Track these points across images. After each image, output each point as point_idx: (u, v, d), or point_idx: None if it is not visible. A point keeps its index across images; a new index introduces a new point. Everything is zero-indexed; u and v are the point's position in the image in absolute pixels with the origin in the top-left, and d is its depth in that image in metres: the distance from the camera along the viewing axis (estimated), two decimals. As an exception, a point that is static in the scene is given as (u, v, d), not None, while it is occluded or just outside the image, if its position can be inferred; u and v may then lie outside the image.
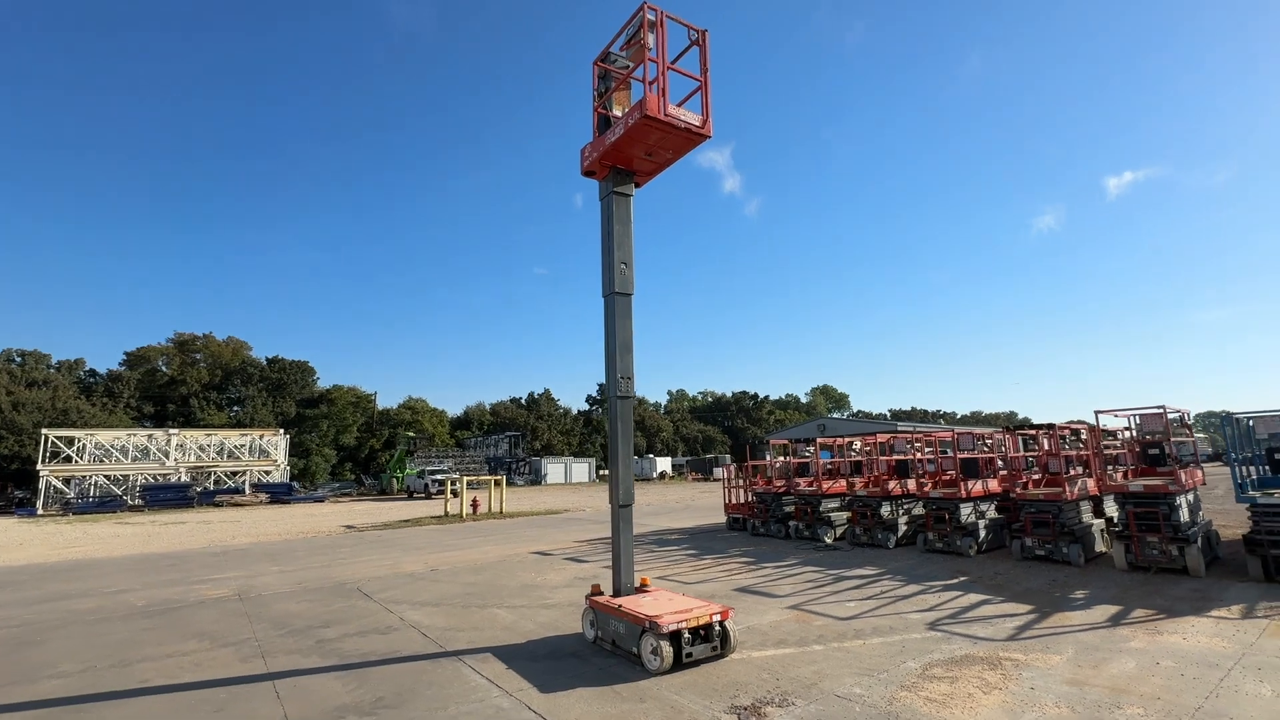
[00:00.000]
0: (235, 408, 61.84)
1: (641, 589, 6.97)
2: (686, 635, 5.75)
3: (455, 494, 26.02)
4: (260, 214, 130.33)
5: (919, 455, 13.13)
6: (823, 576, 9.85)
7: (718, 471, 65.51)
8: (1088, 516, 11.13)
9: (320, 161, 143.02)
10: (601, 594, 6.85)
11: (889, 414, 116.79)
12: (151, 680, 5.94)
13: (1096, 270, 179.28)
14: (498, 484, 26.12)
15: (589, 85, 7.88)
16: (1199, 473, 10.46)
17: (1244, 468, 9.11)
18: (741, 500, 16.66)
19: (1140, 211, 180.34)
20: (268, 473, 46.11)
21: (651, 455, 73.84)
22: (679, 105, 6.82)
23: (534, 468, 63.18)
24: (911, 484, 13.05)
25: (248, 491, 39.75)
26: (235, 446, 45.94)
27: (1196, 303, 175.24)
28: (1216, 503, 17.93)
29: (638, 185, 7.84)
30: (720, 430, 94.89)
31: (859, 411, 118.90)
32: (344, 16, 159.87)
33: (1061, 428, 11.83)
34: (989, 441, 12.87)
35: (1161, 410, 10.36)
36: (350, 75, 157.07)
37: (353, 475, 61.56)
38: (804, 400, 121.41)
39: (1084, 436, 12.07)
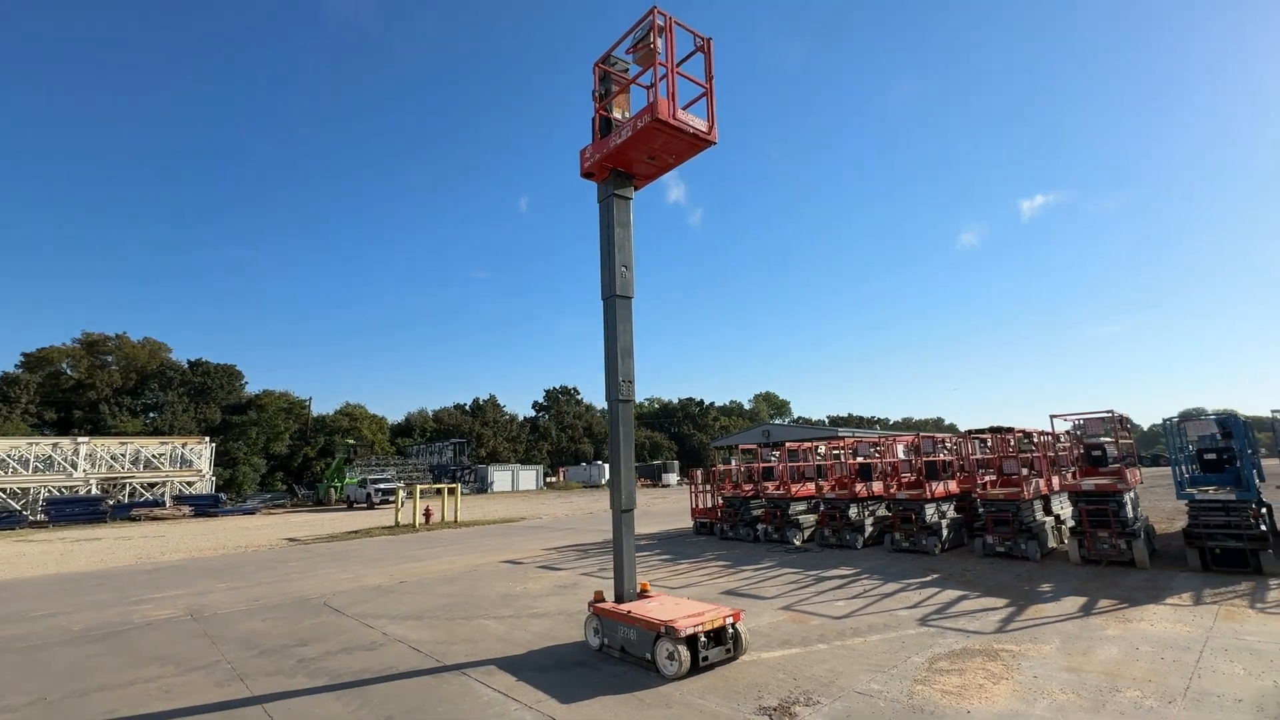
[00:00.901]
0: (152, 414, 57.44)
1: (643, 594, 6.91)
2: (702, 639, 5.74)
3: (402, 503, 25.04)
4: (179, 210, 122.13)
5: (886, 459, 13.63)
6: (803, 578, 10.06)
7: (667, 478, 66.01)
8: (1040, 515, 11.86)
9: (246, 154, 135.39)
10: (604, 601, 6.74)
11: (827, 420, 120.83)
12: (119, 710, 5.41)
13: (1014, 285, 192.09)
14: (451, 492, 25.31)
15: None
16: (1138, 472, 11.35)
17: (1181, 467, 9.97)
18: (708, 505, 16.81)
19: (1049, 232, 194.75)
20: (191, 484, 43.06)
21: (600, 462, 73.50)
22: (684, 110, 6.88)
23: (480, 475, 61.66)
24: (877, 486, 13.55)
25: (169, 504, 36.89)
26: (153, 455, 42.62)
27: (1096, 319, 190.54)
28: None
29: (635, 189, 7.83)
30: (667, 436, 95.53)
31: (800, 418, 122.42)
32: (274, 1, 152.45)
33: (1016, 432, 12.57)
34: (949, 445, 13.53)
35: (1106, 414, 11.18)
36: (284, 66, 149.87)
37: (285, 485, 58.24)
38: (747, 407, 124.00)
39: (1036, 439, 12.87)
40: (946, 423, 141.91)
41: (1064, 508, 13.10)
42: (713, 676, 5.58)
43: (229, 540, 21.25)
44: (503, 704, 5.14)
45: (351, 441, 49.29)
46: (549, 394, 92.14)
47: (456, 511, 24.44)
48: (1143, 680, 5.05)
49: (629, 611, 6.18)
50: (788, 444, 15.99)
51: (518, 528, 21.77)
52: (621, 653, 6.21)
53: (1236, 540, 8.76)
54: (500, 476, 62.17)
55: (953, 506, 12.86)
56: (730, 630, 5.99)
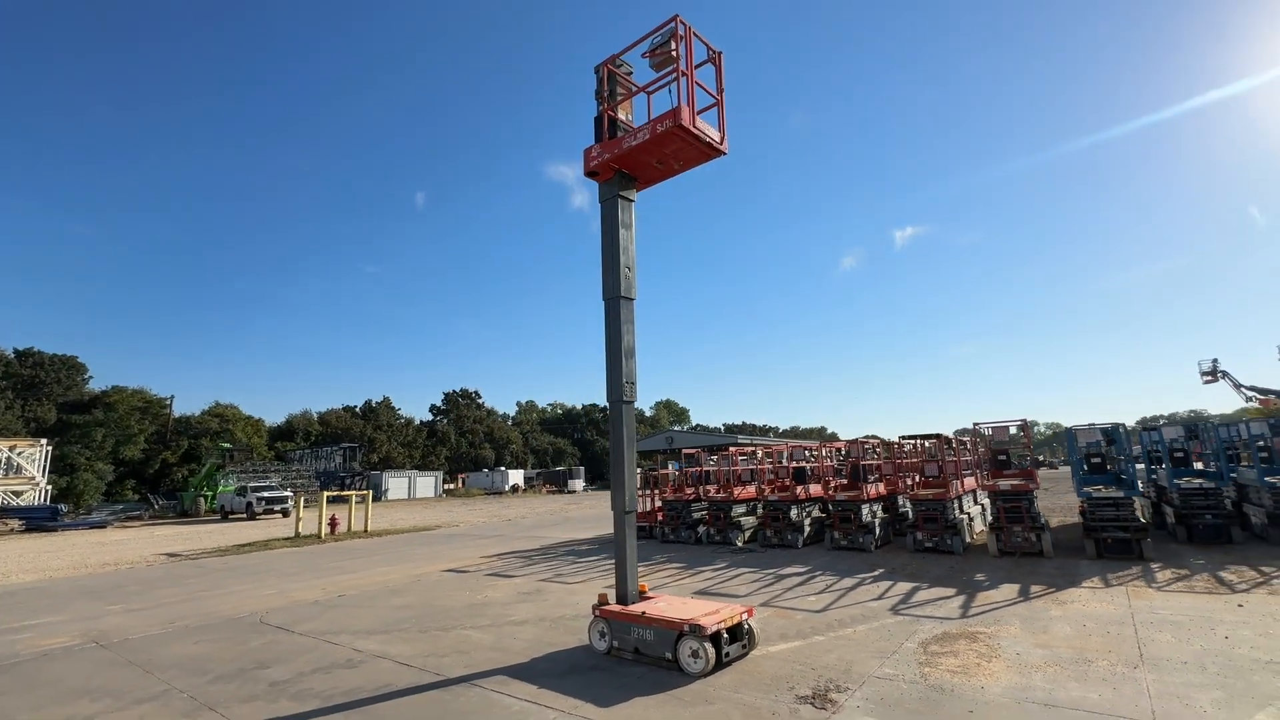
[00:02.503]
0: (-36, 411, 48.33)
1: (643, 596, 6.93)
2: (725, 636, 5.87)
3: (297, 512, 22.93)
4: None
5: (823, 464, 14.51)
6: (763, 576, 10.48)
7: (573, 484, 65.44)
8: (958, 513, 13.17)
9: (86, 112, 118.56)
10: (609, 604, 6.68)
11: (724, 427, 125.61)
12: (72, 754, 4.60)
13: (887, 305, 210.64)
14: (360, 500, 23.58)
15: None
16: (1037, 474, 12.95)
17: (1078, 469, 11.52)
18: (647, 509, 16.98)
19: (917, 260, 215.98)
20: (19, 493, 36.77)
21: (502, 468, 71.53)
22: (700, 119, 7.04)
23: (373, 482, 57.76)
24: (815, 489, 14.39)
25: (-9, 517, 31.22)
26: (-32, 460, 35.93)
27: (954, 340, 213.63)
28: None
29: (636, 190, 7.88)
30: (570, 442, 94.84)
31: (698, 425, 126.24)
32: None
33: (941, 438, 13.89)
34: (879, 449, 14.67)
35: (1012, 422, 12.67)
36: (140, 20, 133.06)
37: (138, 495, 51.23)
38: (649, 414, 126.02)
39: (954, 445, 14.29)
40: (829, 431, 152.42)
41: (972, 507, 14.64)
42: (736, 672, 5.72)
43: (89, 557, 18.41)
44: (539, 713, 4.95)
45: (227, 445, 44.25)
46: (448, 397, 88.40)
47: (367, 520, 22.80)
48: (1104, 651, 5.82)
49: (643, 613, 6.17)
50: (732, 449, 16.56)
51: (437, 536, 20.71)
52: (635, 654, 6.18)
53: (1124, 531, 10.28)
54: (395, 483, 58.63)
55: (880, 507, 13.95)
56: (746, 626, 6.17)
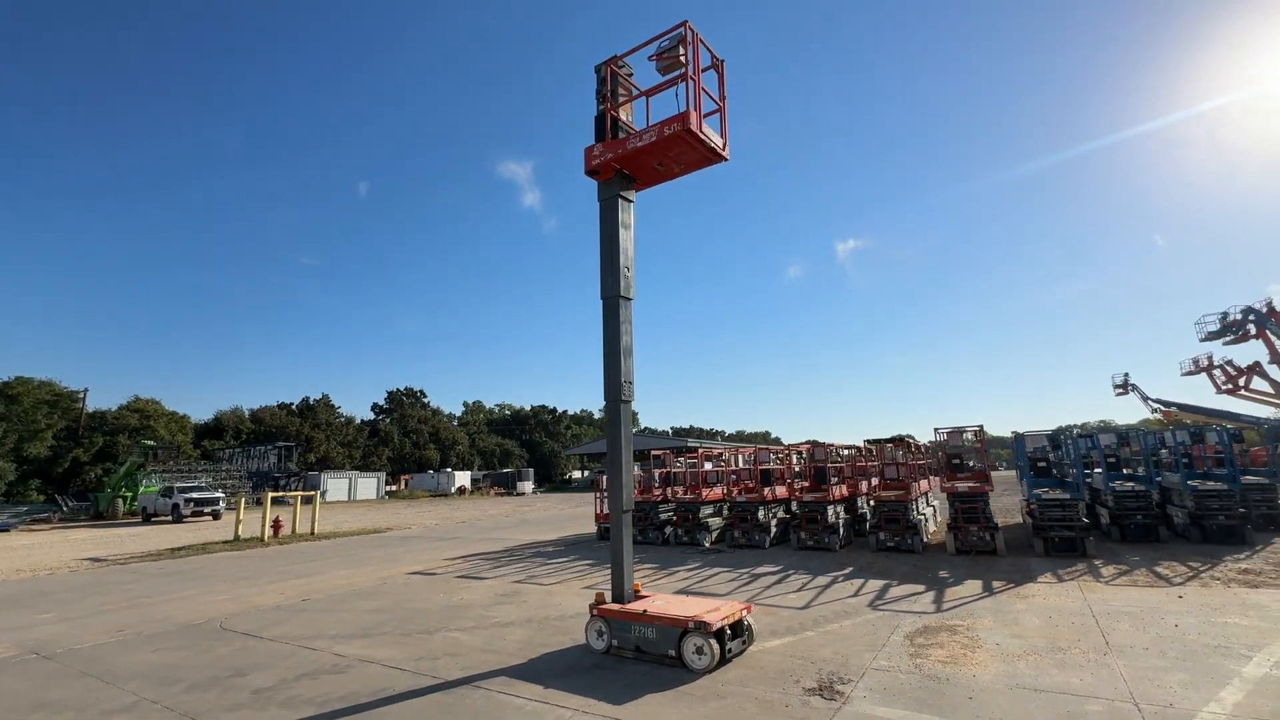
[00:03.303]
0: None
1: (637, 595, 6.96)
2: (728, 632, 5.98)
3: (226, 514, 21.74)
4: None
5: (788, 466, 14.90)
6: (740, 575, 10.68)
7: (522, 486, 64.50)
8: (917, 514, 13.79)
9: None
10: (606, 603, 6.68)
11: (671, 431, 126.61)
12: (47, 771, 4.23)
13: (829, 314, 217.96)
14: (307, 501, 22.51)
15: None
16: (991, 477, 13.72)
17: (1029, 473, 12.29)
18: (612, 510, 16.97)
19: (857, 271, 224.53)
20: (-96, 494, 33.17)
21: (448, 469, 69.72)
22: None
23: (311, 483, 55.14)
24: (780, 490, 14.76)
25: (-128, 520, 28.05)
26: None
27: (890, 350, 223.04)
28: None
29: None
30: (519, 444, 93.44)
31: (646, 428, 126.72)
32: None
33: (903, 442, 14.51)
34: (842, 452, 15.19)
35: (968, 427, 13.39)
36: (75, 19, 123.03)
37: (44, 495, 47.16)
38: (597, 416, 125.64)
39: (913, 449, 14.95)
40: (773, 435, 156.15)
41: (926, 508, 15.35)
42: (739, 667, 5.83)
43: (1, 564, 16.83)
44: (554, 712, 4.91)
45: (151, 443, 41.21)
46: (391, 395, 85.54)
47: (314, 522, 21.78)
48: (1074, 640, 6.26)
49: (644, 611, 6.21)
50: (700, 451, 16.77)
51: (391, 539, 20.02)
52: (636, 652, 6.20)
53: (1069, 530, 11.05)
54: (335, 484, 56.17)
55: (843, 508, 14.45)
56: (746, 623, 6.30)
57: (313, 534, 21.21)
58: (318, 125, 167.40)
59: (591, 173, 7.60)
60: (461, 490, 62.12)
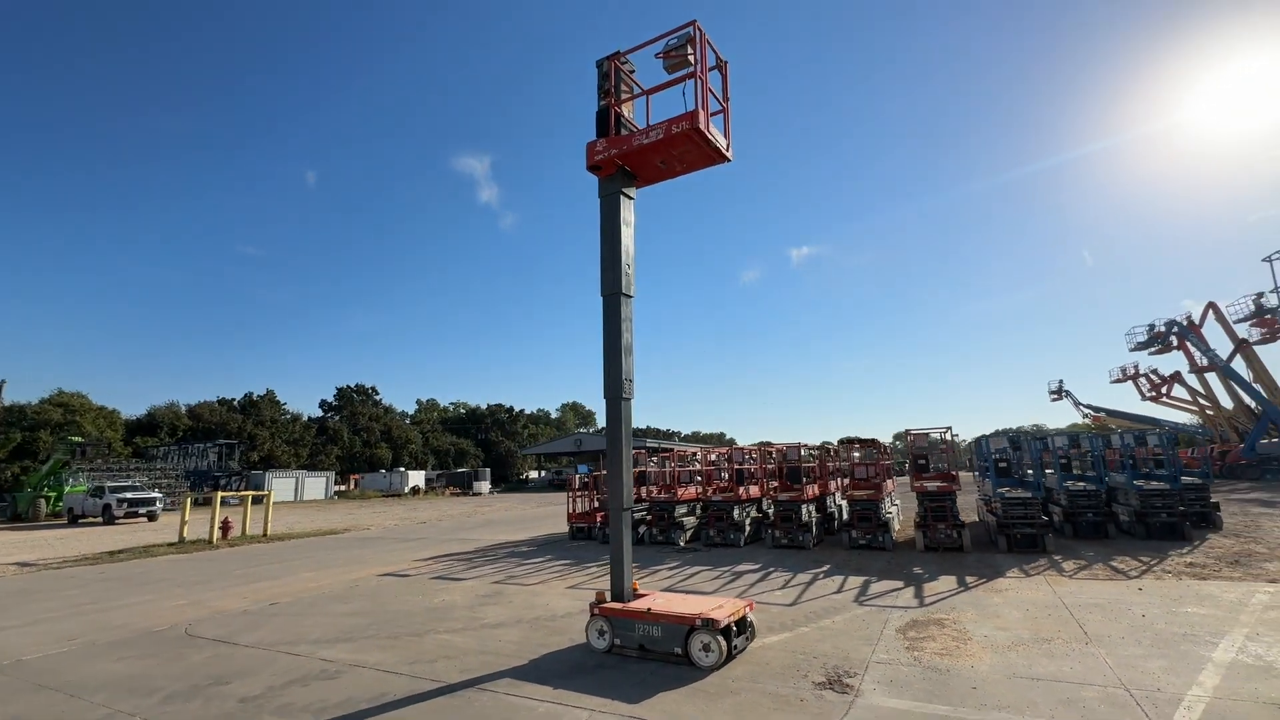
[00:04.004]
0: None
1: (636, 594, 6.93)
2: (734, 629, 6.02)
3: (152, 516, 20.55)
4: None
5: (761, 466, 15.12)
6: (722, 574, 10.77)
7: (479, 485, 63.36)
8: (887, 512, 14.22)
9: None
10: (607, 602, 6.62)
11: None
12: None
13: (785, 318, 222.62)
14: (255, 502, 21.47)
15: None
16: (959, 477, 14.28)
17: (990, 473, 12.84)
18: (585, 510, 16.86)
19: (811, 277, 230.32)
20: None
21: (401, 468, 67.83)
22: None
23: (253, 482, 52.69)
24: (754, 490, 14.97)
25: None
26: None
27: (842, 355, 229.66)
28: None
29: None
30: (474, 443, 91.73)
31: (603, 428, 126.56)
32: None
33: (872, 443, 14.93)
34: (814, 453, 15.52)
35: (935, 429, 13.90)
36: None
37: (-49, 496, 43.37)
38: (554, 415, 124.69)
39: (880, 449, 15.41)
40: (728, 436, 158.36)
41: (891, 507, 15.84)
42: (745, 663, 5.87)
43: (-88, 569, 15.40)
44: (572, 713, 4.83)
45: (78, 439, 38.42)
46: (341, 392, 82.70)
47: (267, 523, 20.80)
48: (1055, 631, 6.58)
49: (649, 609, 6.19)
50: (675, 450, 16.83)
51: (350, 540, 19.33)
52: (640, 650, 6.17)
53: (1031, 528, 11.61)
54: (281, 484, 53.76)
55: (814, 507, 14.77)
56: (749, 620, 6.36)
57: (265, 536, 20.26)
58: (262, 109, 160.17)
59: (593, 168, 7.52)
60: (415, 490, 60.52)
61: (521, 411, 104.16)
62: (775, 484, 15.19)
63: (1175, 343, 42.69)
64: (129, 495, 32.38)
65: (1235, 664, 5.36)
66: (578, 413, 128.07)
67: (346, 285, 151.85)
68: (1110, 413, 55.98)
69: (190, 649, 7.13)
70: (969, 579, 9.55)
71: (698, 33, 6.98)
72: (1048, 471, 15.24)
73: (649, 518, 15.35)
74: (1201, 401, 45.83)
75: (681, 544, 14.43)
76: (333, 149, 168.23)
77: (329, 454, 70.19)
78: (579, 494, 17.20)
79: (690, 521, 15.15)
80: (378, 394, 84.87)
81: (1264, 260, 33.40)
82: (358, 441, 75.07)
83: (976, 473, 15.47)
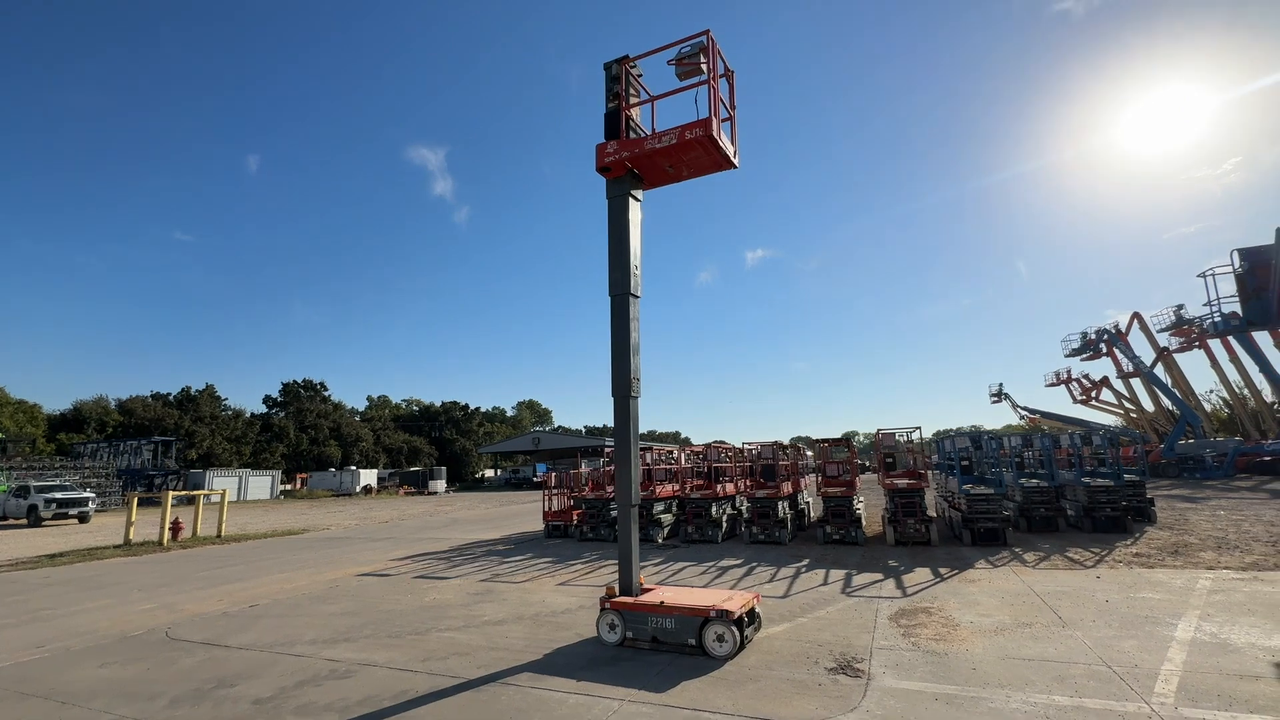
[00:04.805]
0: None
1: (643, 588, 7.08)
2: (745, 619, 6.24)
3: (83, 517, 19.45)
4: None
5: (734, 464, 15.48)
6: (708, 569, 11.02)
7: (434, 484, 62.05)
8: (857, 508, 14.80)
9: None
10: (616, 596, 6.75)
11: (584, 430, 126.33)
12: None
13: (739, 319, 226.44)
14: (189, 501, 20.50)
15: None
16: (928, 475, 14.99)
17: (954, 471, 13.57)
18: (560, 507, 16.87)
19: (765, 280, 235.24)
20: None
21: (353, 467, 65.70)
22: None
23: (192, 482, 50.08)
24: (730, 487, 15.31)
25: None
26: None
27: (792, 355, 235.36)
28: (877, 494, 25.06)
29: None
30: (428, 441, 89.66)
31: (560, 427, 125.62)
32: None
33: (849, 440, 15.50)
34: (787, 451, 15.99)
35: (900, 429, 14.57)
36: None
37: None
38: (510, 413, 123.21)
39: (849, 448, 16.03)
40: (682, 436, 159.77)
41: (858, 504, 16.46)
42: (756, 652, 6.11)
43: None
44: (601, 704, 4.94)
45: (1, 436, 35.67)
46: (287, 388, 79.39)
47: (221, 524, 19.91)
48: (1033, 617, 7.09)
49: (662, 602, 6.35)
50: (655, 448, 17.00)
51: (313, 541, 18.73)
52: (653, 643, 6.33)
53: (993, 522, 12.34)
54: (223, 484, 51.27)
55: (787, 504, 15.24)
56: (756, 611, 6.60)
57: (219, 537, 19.39)
58: (197, 86, 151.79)
59: (603, 169, 7.62)
60: (368, 489, 58.75)
61: (477, 409, 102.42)
62: (751, 481, 15.60)
63: (1105, 349, 45.75)
64: (58, 495, 30.36)
65: (1196, 641, 5.93)
66: (534, 411, 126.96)
67: (291, 276, 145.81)
68: (1044, 414, 59.40)
69: (179, 653, 6.86)
70: (942, 570, 10.10)
71: (711, 42, 7.18)
72: (1005, 470, 16.18)
73: (627, 515, 15.50)
74: (1126, 405, 49.31)
75: (660, 540, 14.64)
76: (276, 134, 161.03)
77: (274, 452, 67.34)
78: (555, 492, 17.19)
79: (668, 518, 15.37)
80: (327, 390, 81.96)
81: (1199, 276, 36.19)
82: (305, 439, 72.27)
83: (938, 470, 16.26)
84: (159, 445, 52.93)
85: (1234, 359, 37.77)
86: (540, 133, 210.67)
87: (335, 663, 6.27)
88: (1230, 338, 36.39)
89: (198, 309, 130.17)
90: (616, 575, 10.66)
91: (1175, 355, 42.18)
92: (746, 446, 16.38)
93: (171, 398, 65.87)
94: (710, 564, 11.47)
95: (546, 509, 16.91)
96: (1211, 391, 48.89)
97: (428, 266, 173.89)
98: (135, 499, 18.92)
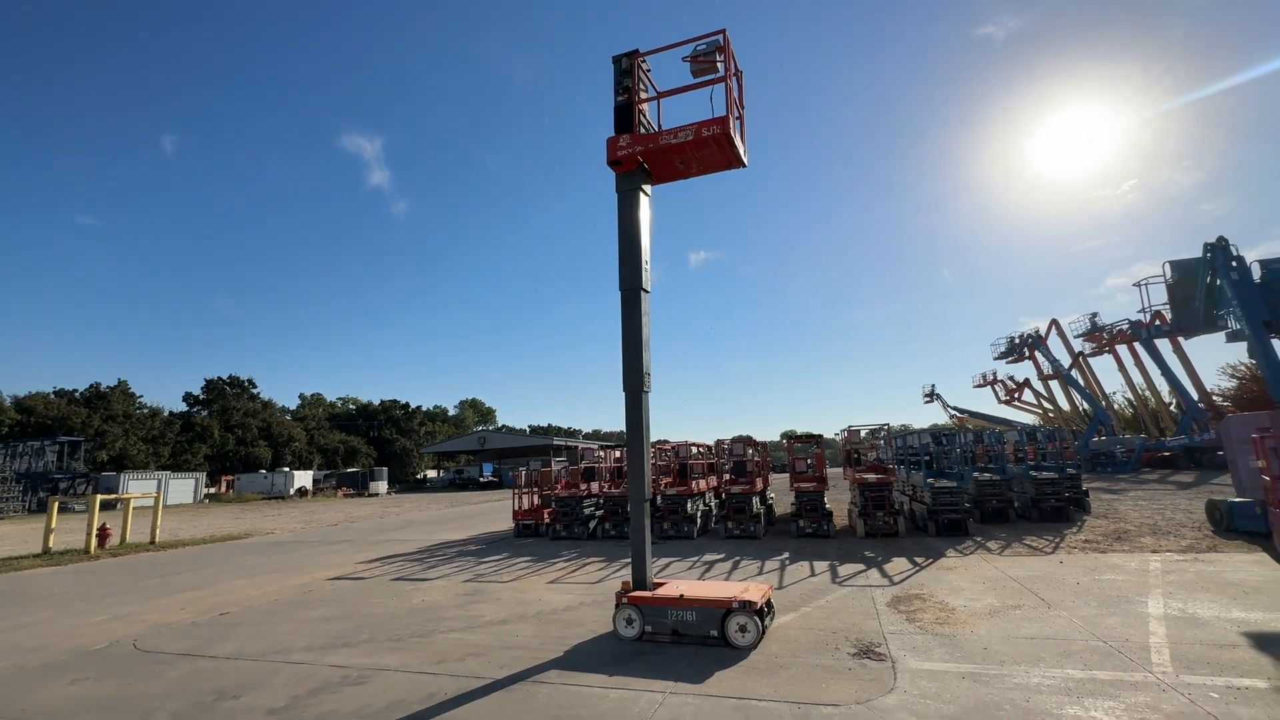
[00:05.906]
0: None
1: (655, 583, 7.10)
2: (765, 609, 6.36)
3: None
4: None
5: (704, 461, 15.69)
6: (695, 564, 11.13)
7: (375, 486, 59.71)
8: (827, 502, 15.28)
9: None
10: (632, 591, 6.74)
11: (529, 429, 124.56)
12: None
13: (681, 320, 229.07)
14: (145, 506, 18.99)
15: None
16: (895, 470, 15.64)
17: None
18: (530, 506, 16.61)
19: (708, 282, 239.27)
20: None
21: (285, 469, 62.29)
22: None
23: (104, 485, 46.15)
24: (702, 483, 15.51)
25: None
26: None
27: (735, 357, 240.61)
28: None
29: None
30: (366, 441, 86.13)
31: (504, 426, 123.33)
32: None
33: (819, 437, 15.98)
34: (757, 450, 16.34)
35: (864, 427, 15.19)
36: None
37: None
38: (452, 413, 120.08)
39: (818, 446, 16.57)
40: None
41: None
42: (775, 641, 6.23)
43: None
44: (647, 697, 4.92)
45: (-124, 435, 31.65)
46: (210, 385, 74.46)
47: (155, 529, 18.49)
48: (1020, 600, 7.55)
49: (682, 595, 6.39)
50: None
51: (261, 546, 17.68)
52: (673, 635, 6.35)
53: (956, 514, 13.04)
54: (140, 487, 47.50)
55: (759, 498, 15.58)
56: (771, 601, 6.73)
57: (154, 543, 18.00)
58: (105, 54, 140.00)
59: (614, 163, 7.58)
60: (303, 492, 55.83)
61: (419, 408, 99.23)
62: (719, 478, 15.85)
63: (1028, 353, 49.12)
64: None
65: (1169, 616, 6.49)
66: (477, 410, 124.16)
67: (215, 267, 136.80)
68: (972, 414, 63.18)
69: (160, 665, 6.34)
70: (918, 559, 10.60)
71: (726, 41, 7.27)
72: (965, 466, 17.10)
73: (600, 513, 15.45)
74: (1046, 405, 53.10)
75: (635, 538, 14.65)
76: (197, 114, 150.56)
77: (196, 453, 62.95)
78: (525, 491, 16.91)
79: (642, 516, 15.39)
80: (255, 387, 77.36)
81: (1134, 285, 39.28)
82: (231, 439, 67.92)
83: (897, 465, 17.02)
84: (64, 446, 48.50)
85: (1139, 364, 41.30)
86: (483, 125, 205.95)
87: (343, 669, 5.96)
88: (1137, 344, 39.78)
89: (104, 299, 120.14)
90: (606, 573, 10.65)
91: (1089, 359, 45.73)
92: (718, 442, 16.64)
93: (78, 394, 60.46)
94: (694, 559, 11.59)
95: (516, 508, 16.61)
96: (1116, 393, 53.24)
97: (364, 260, 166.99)
98: (56, 504, 17.27)
